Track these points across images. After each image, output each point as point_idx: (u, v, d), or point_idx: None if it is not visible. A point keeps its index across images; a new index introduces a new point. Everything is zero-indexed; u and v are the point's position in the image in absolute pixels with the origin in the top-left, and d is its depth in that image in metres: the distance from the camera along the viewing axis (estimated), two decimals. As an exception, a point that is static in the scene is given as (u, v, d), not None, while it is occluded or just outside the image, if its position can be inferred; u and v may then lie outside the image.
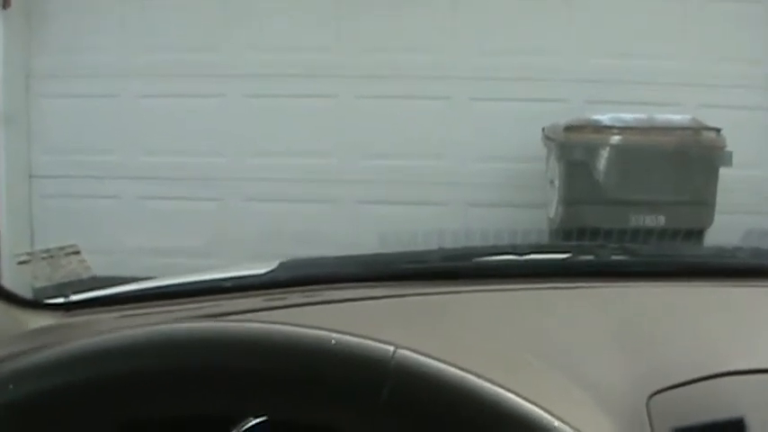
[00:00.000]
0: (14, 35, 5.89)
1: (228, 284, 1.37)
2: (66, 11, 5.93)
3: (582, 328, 1.14)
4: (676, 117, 5.09)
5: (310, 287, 1.34)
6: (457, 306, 1.26)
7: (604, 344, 1.07)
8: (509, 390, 0.59)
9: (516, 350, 1.05)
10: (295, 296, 1.28)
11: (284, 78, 5.78)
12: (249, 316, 1.16)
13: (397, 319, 1.18)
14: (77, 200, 5.94)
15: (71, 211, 5.84)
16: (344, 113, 5.80)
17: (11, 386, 0.56)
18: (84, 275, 1.32)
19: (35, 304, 1.30)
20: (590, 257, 1.49)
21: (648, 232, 4.66)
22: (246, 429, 0.92)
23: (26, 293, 1.33)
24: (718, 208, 4.93)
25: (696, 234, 4.73)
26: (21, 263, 1.25)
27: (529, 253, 1.46)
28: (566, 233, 4.87)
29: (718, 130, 4.96)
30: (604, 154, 4.90)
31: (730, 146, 4.91)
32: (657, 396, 0.92)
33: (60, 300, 1.34)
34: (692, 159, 4.91)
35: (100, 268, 1.49)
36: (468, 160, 5.78)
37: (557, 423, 0.58)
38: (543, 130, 5.41)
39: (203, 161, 5.88)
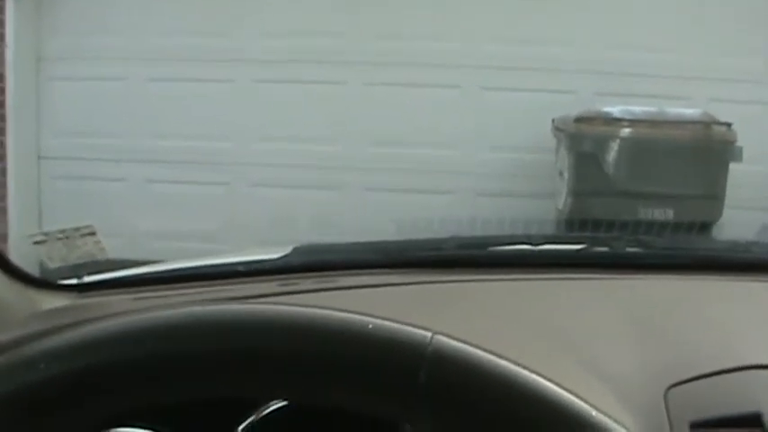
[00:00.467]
0: (25, 19, 5.89)
1: (243, 269, 1.37)
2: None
3: (598, 320, 1.14)
4: (687, 111, 5.08)
5: (324, 273, 1.34)
6: (472, 294, 1.25)
7: (621, 336, 1.07)
8: (548, 378, 0.59)
9: (530, 340, 1.04)
10: (309, 282, 1.28)
11: (294, 64, 5.77)
12: (264, 300, 1.15)
13: (413, 306, 1.18)
14: (86, 182, 5.95)
15: (79, 193, 5.85)
16: (354, 100, 5.79)
17: (41, 366, 0.56)
18: (100, 257, 1.32)
19: (48, 285, 1.30)
20: (605, 249, 1.49)
21: (657, 225, 4.65)
22: (267, 413, 0.92)
23: (34, 272, 1.33)
24: (727, 203, 4.92)
25: (704, 228, 4.72)
26: (36, 243, 1.25)
27: (543, 243, 1.45)
28: (574, 224, 4.87)
29: (729, 125, 4.95)
30: (614, 146, 4.89)
31: (741, 141, 4.90)
32: (675, 389, 0.92)
33: (74, 281, 1.34)
34: (702, 153, 4.90)
35: (109, 251, 1.49)
36: (478, 150, 5.78)
37: (594, 413, 0.58)
38: (553, 121, 5.40)
39: (212, 145, 5.88)
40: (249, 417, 0.94)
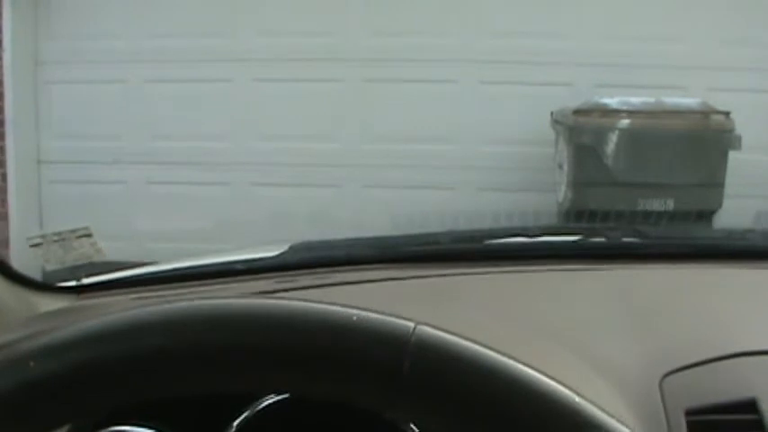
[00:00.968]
0: (22, 23, 5.89)
1: (240, 267, 1.37)
2: (73, -3, 5.94)
3: (594, 310, 1.14)
4: (685, 100, 5.08)
5: (321, 269, 1.34)
6: (468, 287, 1.26)
7: (616, 325, 1.07)
8: (528, 365, 0.60)
9: (526, 331, 1.05)
10: (306, 278, 1.29)
11: (292, 63, 5.77)
12: (261, 298, 1.16)
13: (409, 300, 1.19)
14: (86, 185, 5.96)
15: (80, 196, 5.86)
16: (352, 97, 5.79)
17: (31, 363, 0.56)
18: (96, 258, 1.32)
19: (47, 287, 1.31)
20: (601, 239, 1.49)
21: (657, 216, 4.66)
22: (265, 407, 0.92)
23: (36, 277, 1.34)
24: (726, 191, 4.92)
25: (705, 217, 4.72)
26: (33, 245, 1.26)
27: (540, 235, 1.46)
28: (574, 216, 4.87)
29: (727, 114, 4.95)
30: (613, 137, 4.89)
31: (739, 129, 4.90)
32: (670, 377, 0.92)
33: (72, 283, 1.34)
34: (700, 143, 4.90)
35: (110, 253, 1.49)
36: (477, 144, 5.77)
37: (578, 399, 0.58)
38: (552, 113, 5.40)
39: (211, 146, 5.88)
40: (244, 412, 0.95)
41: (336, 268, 1.35)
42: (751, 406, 0.86)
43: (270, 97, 5.83)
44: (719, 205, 4.88)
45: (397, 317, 0.60)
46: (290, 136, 5.82)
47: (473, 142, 5.77)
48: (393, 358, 0.57)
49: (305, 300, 0.62)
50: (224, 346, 0.58)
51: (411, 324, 0.59)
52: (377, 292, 1.23)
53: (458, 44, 5.74)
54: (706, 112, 4.98)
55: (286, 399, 0.92)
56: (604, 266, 1.31)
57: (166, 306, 0.60)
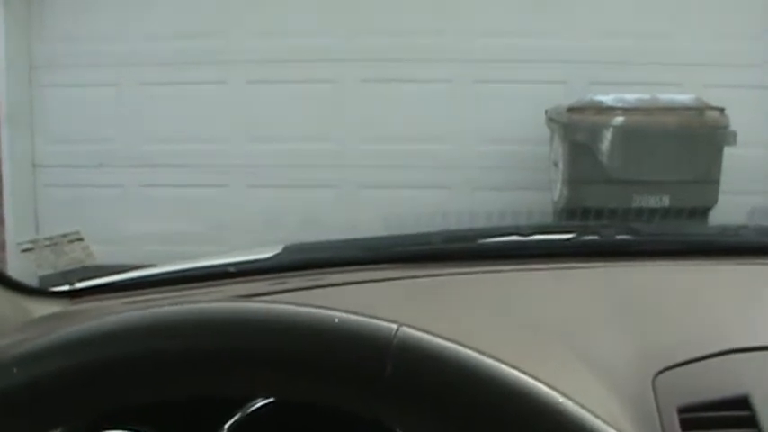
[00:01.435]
0: (16, 25, 5.89)
1: (233, 269, 1.37)
2: (66, 1, 5.92)
3: (586, 308, 1.14)
4: (680, 97, 5.09)
5: (315, 271, 1.34)
6: (461, 287, 1.26)
7: (609, 323, 1.07)
8: (513, 366, 0.59)
9: (520, 330, 1.05)
10: (299, 280, 1.29)
11: (285, 63, 5.77)
12: (254, 300, 1.16)
13: (401, 301, 1.19)
14: (81, 189, 5.96)
15: (75, 200, 5.85)
16: (347, 98, 5.79)
17: (15, 370, 0.56)
18: (88, 262, 1.32)
19: (40, 292, 1.31)
20: (594, 237, 1.49)
21: (653, 213, 4.67)
22: (252, 411, 0.92)
23: (32, 282, 1.34)
24: (722, 187, 4.92)
25: (700, 214, 4.73)
26: (24, 251, 1.26)
27: (533, 234, 1.46)
28: (570, 214, 4.88)
29: (721, 110, 4.96)
30: (608, 135, 4.90)
31: (734, 125, 4.91)
32: (663, 374, 0.92)
33: (65, 287, 1.34)
34: (695, 139, 4.90)
35: (104, 257, 1.49)
36: (472, 143, 5.78)
37: (561, 399, 0.58)
38: (546, 112, 5.41)
39: (206, 148, 5.88)
40: (235, 415, 0.95)
41: (330, 269, 1.35)
42: (744, 402, 0.86)
43: (264, 99, 5.83)
44: (715, 201, 4.89)
45: (380, 318, 0.59)
46: (284, 137, 5.82)
47: (468, 141, 5.77)
48: (375, 360, 0.57)
49: (295, 301, 0.62)
50: (206, 349, 0.58)
51: (394, 326, 0.59)
52: (370, 293, 1.23)
53: (452, 44, 5.74)
54: (701, 109, 4.99)
55: (276, 401, 0.92)
56: (597, 264, 1.31)
57: (149, 311, 0.60)
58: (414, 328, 0.59)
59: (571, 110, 5.03)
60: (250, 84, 5.85)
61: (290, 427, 0.94)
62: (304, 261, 1.41)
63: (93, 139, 5.97)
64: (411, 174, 5.71)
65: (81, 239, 1.27)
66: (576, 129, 4.95)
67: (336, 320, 0.59)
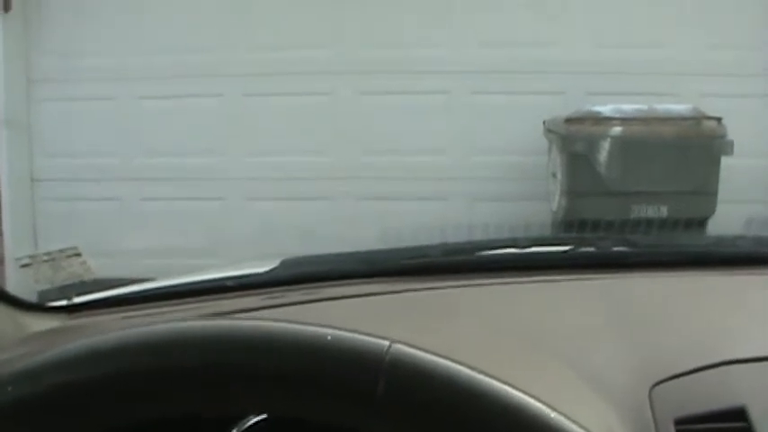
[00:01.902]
0: (14, 39, 5.90)
1: (230, 283, 1.37)
2: (63, 15, 5.94)
3: (583, 320, 1.14)
4: (677, 107, 5.09)
5: (312, 284, 1.34)
6: (458, 300, 1.26)
7: (606, 335, 1.07)
8: (506, 382, 0.60)
9: (517, 343, 1.05)
10: (296, 294, 1.29)
11: (282, 76, 5.78)
12: (251, 315, 1.16)
13: (398, 315, 1.19)
14: (79, 203, 5.96)
15: (73, 214, 5.86)
16: (344, 110, 5.80)
17: (9, 388, 0.57)
18: (86, 277, 1.33)
19: (38, 307, 1.31)
20: (591, 249, 1.50)
21: (651, 223, 4.66)
22: (247, 428, 0.92)
23: (31, 297, 1.34)
24: (720, 197, 4.92)
25: (699, 224, 4.73)
26: (23, 266, 1.26)
27: (530, 246, 1.46)
28: (568, 225, 4.88)
29: (719, 119, 4.96)
30: (606, 145, 4.90)
31: (731, 135, 4.91)
32: (660, 386, 0.92)
33: (63, 302, 1.34)
34: (693, 149, 4.91)
35: (103, 270, 1.49)
36: (470, 154, 5.78)
37: (553, 414, 0.58)
38: (544, 122, 5.41)
39: (203, 161, 5.89)
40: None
41: (327, 283, 1.35)
42: (740, 414, 0.86)
43: (261, 111, 5.84)
44: (713, 211, 4.89)
45: (372, 335, 0.60)
46: (281, 150, 5.83)
47: (466, 153, 5.78)
48: (367, 378, 0.57)
49: (290, 318, 0.62)
50: (200, 367, 0.59)
51: (386, 343, 0.59)
52: (367, 307, 1.23)
53: (448, 55, 5.75)
54: (698, 119, 5.00)
55: (270, 418, 0.92)
56: (594, 276, 1.31)
57: (143, 329, 0.60)
58: (406, 344, 0.60)
59: (569, 121, 5.03)
60: (247, 97, 5.86)
61: None
62: (301, 275, 1.41)
63: (91, 153, 5.98)
64: (409, 186, 5.71)
65: (79, 255, 1.27)
66: (574, 139, 4.95)
67: (329, 338, 0.59)
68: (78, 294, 1.38)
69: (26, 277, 1.36)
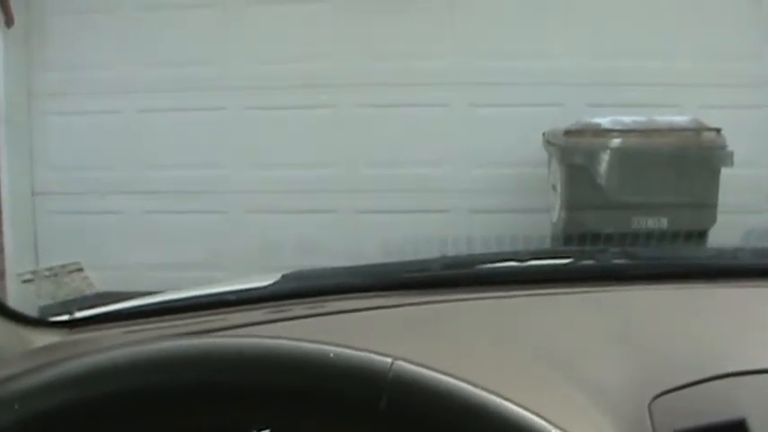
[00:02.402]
0: (15, 55, 5.92)
1: (232, 298, 1.38)
2: (65, 29, 5.95)
3: (583, 333, 1.15)
4: (676, 118, 5.10)
5: (313, 299, 1.34)
6: (459, 314, 1.26)
7: (606, 348, 1.08)
8: (507, 398, 0.60)
9: (517, 356, 1.05)
10: (298, 308, 1.29)
11: (284, 89, 5.79)
12: (252, 329, 1.16)
13: (399, 329, 1.19)
14: (81, 216, 5.96)
15: (75, 227, 5.86)
16: (344, 123, 5.81)
17: (16, 406, 0.57)
18: (88, 292, 1.33)
19: (40, 322, 1.31)
20: (590, 262, 1.50)
21: (651, 235, 4.66)
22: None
23: (32, 311, 1.34)
24: (720, 208, 4.92)
25: (699, 235, 4.73)
26: (25, 281, 1.26)
27: (530, 259, 1.46)
28: (568, 238, 4.87)
29: (718, 130, 4.97)
30: (605, 157, 4.90)
31: (731, 146, 4.91)
32: (660, 399, 0.92)
33: (65, 317, 1.35)
34: (692, 160, 4.91)
35: (104, 284, 1.50)
36: (470, 167, 5.79)
37: (553, 430, 0.58)
38: (544, 134, 5.41)
39: (205, 174, 5.89)
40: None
41: (328, 297, 1.35)
42: (740, 426, 0.86)
43: (263, 124, 5.85)
44: (713, 222, 4.89)
45: (375, 353, 0.60)
46: (283, 163, 5.83)
47: (466, 165, 5.79)
48: (370, 395, 0.58)
49: (294, 331, 0.63)
50: (203, 383, 0.59)
51: (388, 360, 0.60)
52: (368, 322, 1.23)
53: (448, 68, 5.76)
54: (697, 130, 5.00)
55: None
56: (594, 289, 1.32)
57: (146, 346, 0.61)
58: (408, 361, 0.60)
59: (568, 132, 5.04)
60: (249, 110, 5.87)
61: None
62: (303, 289, 1.41)
63: (93, 167, 5.98)
64: (409, 198, 5.72)
65: (81, 270, 1.27)
66: (574, 151, 4.96)
67: (332, 355, 0.60)
68: (80, 309, 1.38)
69: (28, 292, 1.37)
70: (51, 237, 5.98)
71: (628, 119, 5.05)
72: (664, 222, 4.81)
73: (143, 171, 5.97)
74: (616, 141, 4.93)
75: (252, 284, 1.45)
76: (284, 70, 5.78)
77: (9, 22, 5.76)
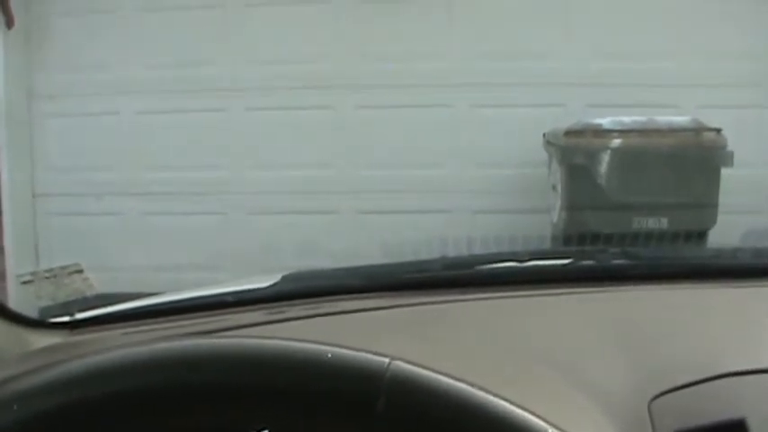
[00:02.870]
0: (16, 55, 5.92)
1: (232, 299, 1.38)
2: (65, 31, 5.96)
3: (583, 333, 1.15)
4: (676, 118, 5.10)
5: (313, 299, 1.34)
6: (458, 314, 1.26)
7: (606, 348, 1.08)
8: (504, 398, 0.60)
9: (517, 357, 1.05)
10: (297, 309, 1.29)
11: (284, 91, 5.80)
12: (252, 330, 1.16)
13: (398, 330, 1.19)
14: (81, 218, 5.96)
15: (75, 229, 5.86)
16: (345, 124, 5.81)
17: (15, 407, 0.57)
18: (88, 293, 1.32)
19: (40, 324, 1.31)
20: (590, 262, 1.50)
21: (651, 235, 4.66)
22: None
23: (32, 312, 1.34)
24: (720, 208, 4.92)
25: (699, 235, 4.73)
26: (24, 283, 1.26)
27: (530, 259, 1.46)
28: (569, 238, 4.87)
29: (718, 131, 4.97)
30: (605, 157, 4.90)
31: (731, 146, 4.91)
32: (659, 399, 0.93)
33: (65, 318, 1.35)
34: (693, 160, 4.91)
35: (105, 285, 1.50)
36: (471, 167, 5.79)
37: (551, 430, 0.59)
38: (544, 135, 5.41)
39: (205, 176, 5.90)
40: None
41: (328, 298, 1.35)
42: (740, 426, 0.86)
43: (262, 126, 5.85)
44: (714, 223, 4.89)
45: (372, 353, 0.60)
46: (283, 164, 5.83)
47: (467, 166, 5.79)
48: (368, 395, 0.58)
49: (293, 331, 0.63)
50: (204, 384, 0.59)
51: (386, 360, 0.60)
52: (368, 322, 1.24)
53: (448, 69, 5.76)
54: (698, 130, 5.00)
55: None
56: (594, 290, 1.32)
57: (145, 347, 0.61)
58: (406, 361, 0.60)
59: (568, 133, 5.03)
60: (249, 111, 5.87)
61: None
62: (302, 290, 1.41)
63: (93, 168, 5.98)
64: (410, 199, 5.72)
65: (81, 271, 1.27)
66: (574, 152, 4.96)
67: (329, 355, 0.60)
68: (80, 310, 1.38)
69: (28, 293, 1.37)
70: (52, 238, 5.98)
71: (628, 119, 5.05)
72: (664, 222, 4.81)
73: (143, 172, 5.97)
74: (616, 142, 4.93)
75: (252, 285, 1.45)
76: (285, 71, 5.79)
77: (9, 23, 5.76)
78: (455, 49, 5.77)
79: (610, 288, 1.32)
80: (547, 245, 5.21)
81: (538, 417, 0.59)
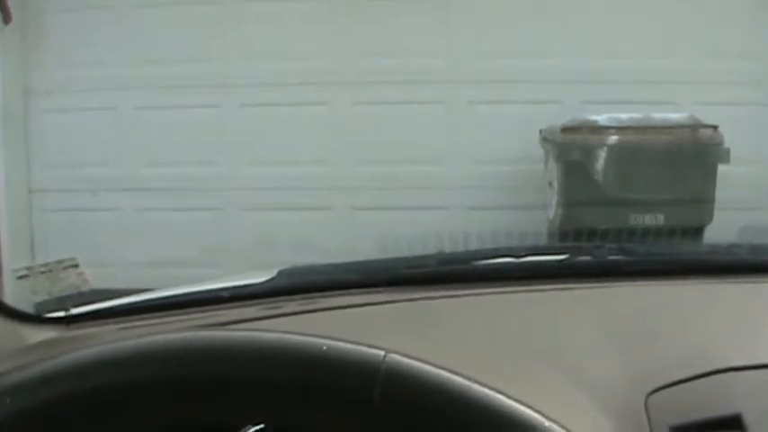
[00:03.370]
0: (12, 51, 5.91)
1: (227, 294, 1.38)
2: (62, 26, 5.95)
3: (579, 329, 1.15)
4: (673, 115, 5.10)
5: (308, 295, 1.34)
6: (454, 310, 1.26)
7: (602, 344, 1.08)
8: (500, 391, 0.60)
9: (513, 352, 1.05)
10: (293, 304, 1.29)
11: (280, 87, 5.79)
12: (247, 325, 1.16)
13: (394, 325, 1.19)
14: (77, 213, 5.95)
15: (71, 224, 5.85)
16: (341, 120, 5.81)
17: (7, 400, 0.57)
18: (84, 288, 1.32)
19: (36, 318, 1.31)
20: (587, 258, 1.50)
21: (648, 231, 4.67)
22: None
23: (28, 307, 1.34)
24: (717, 205, 4.93)
25: (695, 232, 4.73)
26: (19, 277, 1.26)
27: (526, 255, 1.46)
28: (565, 234, 4.88)
29: (715, 127, 4.97)
30: (602, 154, 4.91)
31: (727, 142, 4.92)
32: (656, 394, 0.93)
33: (61, 313, 1.34)
34: (689, 157, 4.92)
35: (100, 280, 1.49)
36: (467, 164, 5.79)
37: (547, 423, 0.58)
38: (541, 131, 5.42)
39: (201, 171, 5.89)
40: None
41: (324, 293, 1.35)
42: (736, 421, 0.86)
43: (259, 122, 5.85)
44: (710, 219, 4.90)
45: (368, 345, 0.60)
46: (279, 160, 5.83)
47: (463, 162, 5.79)
48: (363, 388, 0.58)
49: (289, 327, 0.63)
50: (196, 377, 0.59)
51: (381, 353, 0.60)
52: (363, 318, 1.23)
53: (445, 65, 5.77)
54: (694, 127, 5.00)
55: (268, 427, 0.93)
56: (590, 285, 1.32)
57: (139, 340, 0.61)
58: (401, 354, 0.60)
59: (565, 130, 5.04)
60: (244, 107, 5.87)
61: None
62: (298, 285, 1.41)
63: (89, 164, 5.98)
64: (406, 195, 5.72)
65: (76, 266, 1.27)
66: (571, 148, 4.96)
67: (324, 348, 0.60)
68: (76, 305, 1.38)
69: (23, 288, 1.36)
70: (47, 234, 5.98)
71: (624, 116, 5.06)
72: (660, 219, 4.82)
73: (139, 168, 5.96)
74: (613, 138, 4.94)
75: (247, 281, 1.45)
76: (281, 68, 5.78)
77: (6, 19, 5.75)
78: (452, 45, 5.77)
79: (606, 284, 1.32)
80: (543, 241, 5.22)
81: (534, 410, 0.59)
